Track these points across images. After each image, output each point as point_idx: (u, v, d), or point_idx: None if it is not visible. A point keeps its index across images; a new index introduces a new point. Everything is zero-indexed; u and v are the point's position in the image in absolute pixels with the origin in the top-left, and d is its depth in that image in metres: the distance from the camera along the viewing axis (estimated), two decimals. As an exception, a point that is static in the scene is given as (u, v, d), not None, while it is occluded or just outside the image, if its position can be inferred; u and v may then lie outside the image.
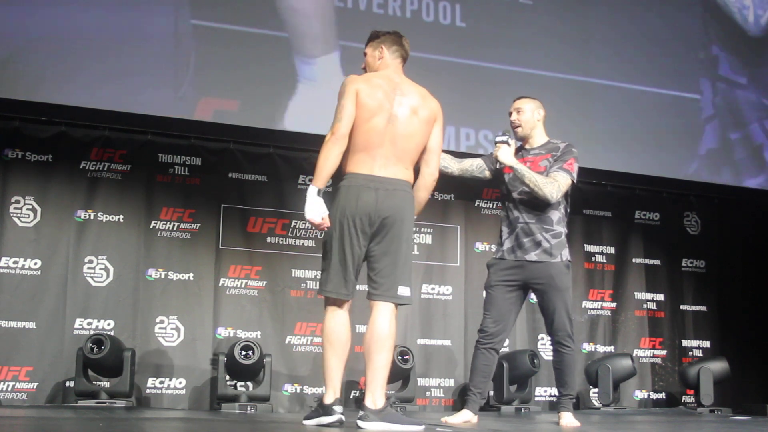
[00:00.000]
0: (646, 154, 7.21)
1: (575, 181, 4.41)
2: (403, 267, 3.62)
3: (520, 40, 6.88)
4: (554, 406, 4.56)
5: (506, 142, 4.37)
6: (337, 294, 3.64)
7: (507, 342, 5.56)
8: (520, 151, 4.55)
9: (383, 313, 3.59)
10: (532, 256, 4.34)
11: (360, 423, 3.43)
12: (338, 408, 3.61)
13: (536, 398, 6.65)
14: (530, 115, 4.50)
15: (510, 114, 4.56)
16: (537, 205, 4.36)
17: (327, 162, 3.54)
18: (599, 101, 7.10)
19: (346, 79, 3.72)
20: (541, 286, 4.37)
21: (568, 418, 4.37)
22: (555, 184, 4.29)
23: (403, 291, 3.62)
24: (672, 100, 7.33)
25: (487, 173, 4.57)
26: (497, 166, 4.48)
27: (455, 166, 4.52)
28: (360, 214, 3.57)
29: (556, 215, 4.38)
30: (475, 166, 4.56)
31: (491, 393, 6.24)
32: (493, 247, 6.74)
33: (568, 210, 4.50)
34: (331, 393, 3.62)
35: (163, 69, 5.93)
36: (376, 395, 3.47)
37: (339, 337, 3.62)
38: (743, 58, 7.58)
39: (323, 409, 3.64)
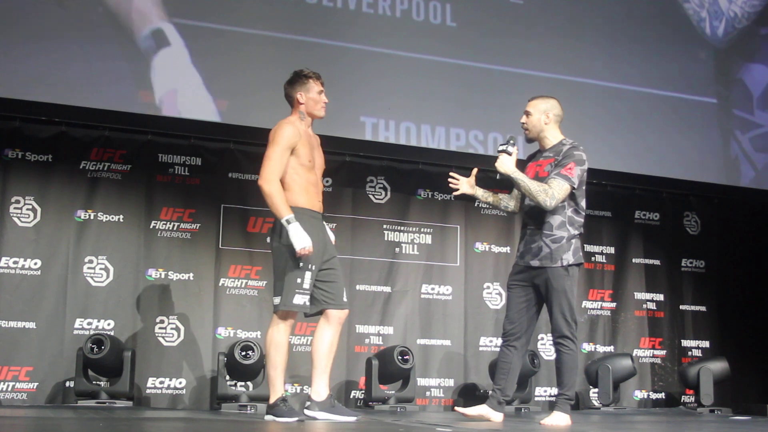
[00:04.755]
0: (646, 154, 7.21)
1: (575, 186, 4.33)
2: (274, 282, 4.27)
3: (511, 40, 6.86)
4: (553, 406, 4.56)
5: (506, 151, 4.35)
6: None
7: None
8: (536, 155, 4.56)
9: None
10: (535, 261, 4.38)
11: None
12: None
13: (536, 398, 6.65)
14: (537, 117, 4.46)
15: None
16: (540, 211, 4.38)
17: None
18: (592, 101, 7.07)
19: None
20: (541, 289, 4.41)
21: (553, 417, 4.34)
22: (549, 191, 4.27)
23: (275, 300, 4.25)
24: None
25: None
26: (497, 177, 4.48)
27: (513, 204, 4.69)
28: None
29: (558, 220, 4.36)
30: (517, 194, 4.65)
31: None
32: (493, 247, 6.86)
33: (582, 212, 4.43)
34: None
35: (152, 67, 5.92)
36: (270, 391, 4.28)
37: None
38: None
39: None
